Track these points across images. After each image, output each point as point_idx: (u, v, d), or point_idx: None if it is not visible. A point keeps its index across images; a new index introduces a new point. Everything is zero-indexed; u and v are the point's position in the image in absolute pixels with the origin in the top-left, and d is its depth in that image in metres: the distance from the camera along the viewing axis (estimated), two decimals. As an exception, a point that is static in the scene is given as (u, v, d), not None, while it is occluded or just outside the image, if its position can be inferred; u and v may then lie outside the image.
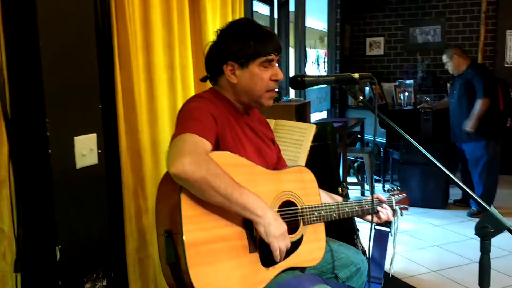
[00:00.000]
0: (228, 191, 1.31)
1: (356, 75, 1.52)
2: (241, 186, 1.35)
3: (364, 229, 3.16)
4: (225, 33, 1.57)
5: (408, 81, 5.96)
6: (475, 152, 4.42)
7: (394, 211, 1.83)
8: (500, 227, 1.24)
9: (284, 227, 1.43)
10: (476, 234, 1.27)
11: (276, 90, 1.61)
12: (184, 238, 1.27)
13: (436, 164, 1.37)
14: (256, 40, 1.51)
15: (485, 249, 1.25)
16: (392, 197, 1.87)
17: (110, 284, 1.79)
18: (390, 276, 1.85)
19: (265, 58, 1.53)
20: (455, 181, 1.39)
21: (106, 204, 1.79)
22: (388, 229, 1.82)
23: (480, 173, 4.41)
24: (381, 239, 1.81)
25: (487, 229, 1.24)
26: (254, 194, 1.37)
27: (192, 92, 2.32)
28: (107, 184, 1.80)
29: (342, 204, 1.69)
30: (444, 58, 4.59)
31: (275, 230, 1.38)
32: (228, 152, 1.44)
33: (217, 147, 1.46)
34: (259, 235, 1.41)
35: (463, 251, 3.64)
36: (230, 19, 2.59)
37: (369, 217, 1.76)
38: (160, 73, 2.14)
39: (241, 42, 1.51)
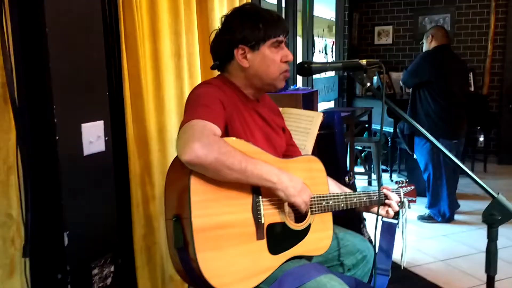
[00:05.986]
0: (242, 165, 1.32)
1: (364, 62, 1.51)
2: (252, 158, 1.36)
3: (371, 218, 3.15)
4: (232, 19, 1.58)
5: (416, 71, 5.89)
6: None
7: (402, 203, 1.82)
8: (507, 215, 1.23)
9: (300, 182, 1.46)
10: (483, 221, 1.27)
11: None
12: (192, 223, 1.28)
13: (444, 152, 1.37)
14: (265, 23, 1.54)
15: (492, 237, 1.25)
16: (400, 189, 1.86)
17: (118, 270, 1.80)
18: (402, 268, 1.85)
19: (275, 40, 1.55)
20: (464, 169, 1.38)
21: (114, 191, 1.80)
22: (395, 221, 1.81)
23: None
24: (388, 231, 1.80)
25: (494, 217, 1.24)
26: (265, 162, 1.39)
27: (198, 80, 2.31)
28: (114, 171, 1.80)
29: (351, 194, 1.69)
30: None
31: (293, 190, 1.42)
32: (237, 138, 1.44)
33: (225, 133, 1.47)
34: (267, 223, 1.42)
35: (471, 241, 3.62)
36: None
37: (376, 209, 1.76)
38: (167, 60, 2.14)
39: (251, 25, 1.53)
